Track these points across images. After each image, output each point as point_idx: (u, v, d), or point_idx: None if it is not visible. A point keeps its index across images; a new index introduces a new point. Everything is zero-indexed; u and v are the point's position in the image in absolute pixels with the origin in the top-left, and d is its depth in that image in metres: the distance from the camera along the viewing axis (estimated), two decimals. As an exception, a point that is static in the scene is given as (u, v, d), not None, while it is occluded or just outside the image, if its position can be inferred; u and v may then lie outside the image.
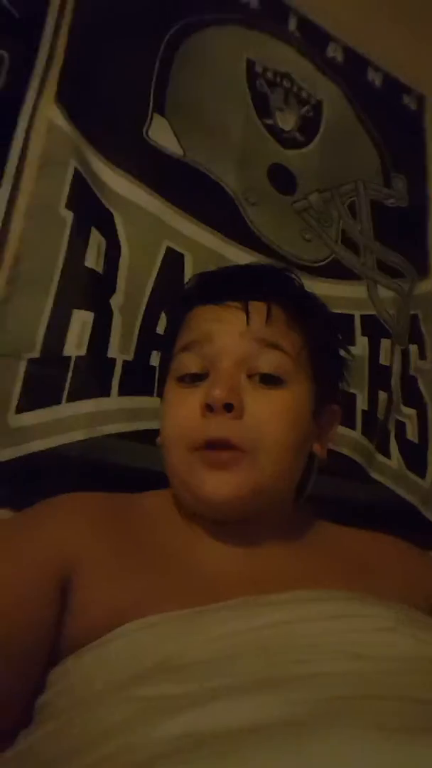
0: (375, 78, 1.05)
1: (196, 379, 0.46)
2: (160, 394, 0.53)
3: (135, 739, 0.27)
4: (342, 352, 0.57)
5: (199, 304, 0.50)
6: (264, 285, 0.51)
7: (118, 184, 0.70)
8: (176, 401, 0.47)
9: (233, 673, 0.32)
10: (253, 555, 0.46)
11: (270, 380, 0.46)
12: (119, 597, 0.40)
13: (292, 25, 0.95)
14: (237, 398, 0.44)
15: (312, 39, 0.97)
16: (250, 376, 0.46)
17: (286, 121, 0.88)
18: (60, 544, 0.42)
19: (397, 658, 0.34)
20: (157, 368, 0.64)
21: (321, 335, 0.52)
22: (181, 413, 0.46)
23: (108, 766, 0.26)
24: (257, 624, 0.36)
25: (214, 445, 0.43)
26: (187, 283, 0.59)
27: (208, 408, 0.43)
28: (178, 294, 0.60)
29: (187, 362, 0.47)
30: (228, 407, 0.43)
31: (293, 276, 0.55)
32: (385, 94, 1.06)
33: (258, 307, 0.47)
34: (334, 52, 1.00)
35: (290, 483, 0.48)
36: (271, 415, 0.45)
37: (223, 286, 0.51)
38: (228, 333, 0.46)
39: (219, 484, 0.43)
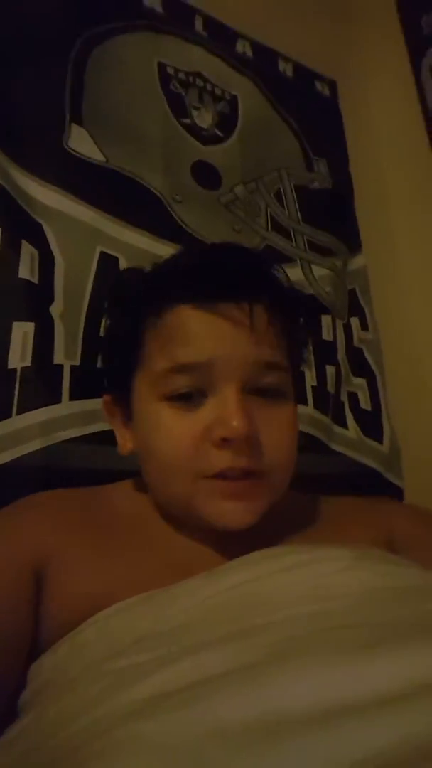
0: (286, 69, 1.09)
1: (188, 398, 0.43)
2: (120, 393, 0.49)
3: (108, 708, 0.28)
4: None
5: (183, 302, 0.43)
6: (261, 282, 0.46)
7: (44, 196, 0.71)
8: (175, 425, 0.43)
9: (200, 634, 0.33)
10: (229, 540, 0.46)
11: (272, 394, 0.44)
12: (93, 586, 0.40)
13: (199, 25, 0.98)
14: (255, 428, 0.42)
15: (220, 37, 1.00)
16: (250, 392, 0.43)
17: (204, 119, 0.91)
18: (30, 541, 0.42)
19: (357, 593, 0.36)
20: (109, 364, 0.55)
21: (300, 336, 0.51)
22: (184, 439, 0.42)
23: (84, 736, 0.27)
24: (223, 587, 0.38)
25: (229, 475, 0.42)
26: (157, 266, 0.50)
27: (225, 440, 0.41)
28: (138, 283, 0.50)
29: (181, 383, 0.43)
30: (248, 439, 0.41)
31: (280, 269, 0.50)
32: (298, 83, 1.10)
33: (258, 313, 0.43)
34: (243, 48, 1.04)
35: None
36: (281, 436, 0.44)
37: (218, 282, 0.43)
38: (231, 354, 0.42)
39: (237, 513, 0.42)
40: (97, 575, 0.42)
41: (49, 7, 0.79)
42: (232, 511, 0.42)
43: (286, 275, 0.50)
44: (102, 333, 0.58)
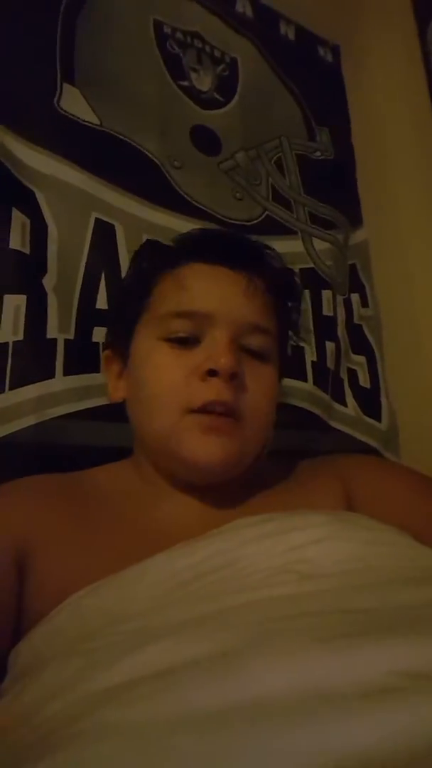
0: (288, 31, 1.04)
1: (185, 342, 0.47)
2: (121, 344, 0.52)
3: (80, 693, 0.27)
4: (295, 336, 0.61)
5: (196, 261, 0.50)
6: (261, 260, 0.53)
7: (36, 161, 0.67)
8: (169, 361, 0.46)
9: (173, 614, 0.32)
10: (210, 510, 0.47)
11: (256, 355, 0.48)
12: (74, 570, 0.40)
13: (197, -19, 0.93)
14: (241, 370, 0.46)
15: (219, -6, 0.95)
16: (239, 349, 0.47)
17: (202, 81, 0.86)
18: (14, 528, 0.42)
19: (338, 572, 0.35)
20: (117, 315, 0.58)
21: (290, 318, 0.57)
22: (176, 373, 0.45)
23: (55, 722, 0.26)
24: (196, 559, 0.37)
25: (210, 408, 0.44)
26: (178, 236, 0.58)
27: (211, 373, 0.44)
28: (159, 244, 0.60)
29: (180, 327, 0.47)
30: (233, 376, 0.45)
31: (278, 254, 0.57)
32: (300, 47, 1.05)
33: (256, 283, 0.49)
34: (243, 7, 0.98)
35: (259, 451, 0.50)
36: (261, 390, 0.47)
37: (227, 250, 0.51)
38: (228, 311, 0.47)
39: (211, 448, 0.44)
40: (78, 562, 0.41)
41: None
42: (207, 446, 0.44)
43: (284, 264, 0.58)
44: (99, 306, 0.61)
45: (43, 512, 0.44)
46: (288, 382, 0.77)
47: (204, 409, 0.44)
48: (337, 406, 0.84)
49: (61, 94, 0.71)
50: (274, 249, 0.56)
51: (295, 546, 0.37)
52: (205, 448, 0.44)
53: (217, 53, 0.91)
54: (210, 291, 0.48)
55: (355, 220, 0.98)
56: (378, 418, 0.89)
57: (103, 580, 0.38)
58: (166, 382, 0.46)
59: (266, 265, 0.53)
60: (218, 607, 0.31)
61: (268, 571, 0.35)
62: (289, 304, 0.57)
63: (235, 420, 0.45)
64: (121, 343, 0.52)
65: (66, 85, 0.72)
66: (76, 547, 0.42)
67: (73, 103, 0.72)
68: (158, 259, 0.53)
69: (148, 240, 0.66)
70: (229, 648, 0.26)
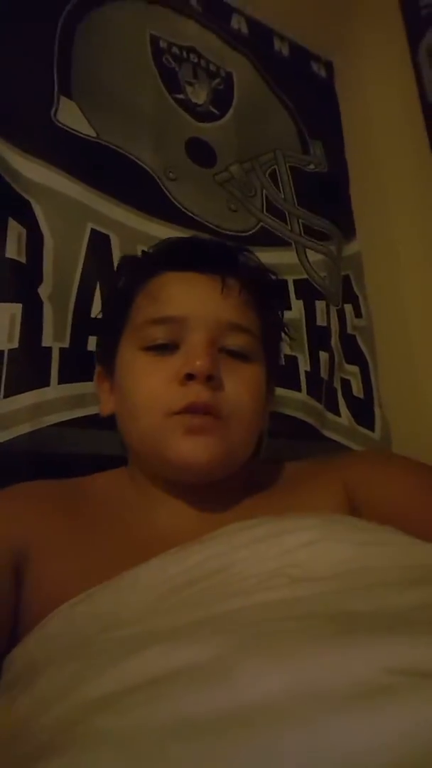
0: (282, 48, 1.06)
1: (164, 348, 0.47)
2: (106, 362, 0.53)
3: (75, 700, 0.27)
4: (284, 336, 0.60)
5: (169, 270, 0.51)
6: (235, 261, 0.53)
7: (32, 172, 0.68)
8: (148, 369, 0.47)
9: (167, 619, 0.32)
10: (205, 514, 0.47)
11: (237, 356, 0.48)
12: (70, 576, 0.40)
13: (193, -1, 0.95)
14: (218, 371, 0.46)
15: (215, 12, 0.97)
16: (219, 351, 0.48)
17: (198, 95, 0.88)
18: (11, 533, 0.42)
19: (331, 574, 0.34)
20: (102, 333, 0.60)
21: (273, 318, 0.56)
22: (155, 381, 0.46)
23: (51, 730, 0.26)
24: (189, 564, 0.37)
25: (192, 410, 0.44)
26: (151, 247, 0.60)
27: (189, 377, 0.44)
28: (135, 260, 0.61)
29: (157, 334, 0.48)
30: (210, 378, 0.45)
31: (254, 255, 0.57)
32: (294, 63, 1.07)
33: (230, 284, 0.49)
34: (238, 24, 1.01)
35: (249, 451, 0.50)
36: (242, 388, 0.47)
37: (198, 256, 0.52)
38: (203, 313, 0.47)
39: (196, 448, 0.44)
40: (74, 567, 0.41)
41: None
42: (191, 446, 0.44)
43: (261, 263, 0.58)
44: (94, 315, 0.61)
45: (41, 517, 0.44)
46: (282, 391, 0.78)
47: (185, 412, 0.44)
48: (330, 415, 0.85)
49: (57, 106, 0.72)
50: (249, 250, 0.57)
51: (286, 550, 0.37)
52: (189, 448, 0.44)
53: (212, 67, 0.92)
54: (183, 296, 0.48)
55: (348, 232, 1.00)
56: (371, 428, 0.89)
57: (97, 586, 0.38)
58: (147, 390, 0.46)
59: (240, 265, 0.53)
60: (211, 612, 0.31)
61: (261, 575, 0.35)
62: (272, 301, 0.56)
63: (218, 419, 0.45)
64: (108, 360, 0.52)
65: (63, 98, 0.73)
66: (73, 552, 0.42)
67: (70, 115, 0.73)
68: (134, 273, 0.54)
69: (123, 256, 0.66)
70: (222, 653, 0.26)
